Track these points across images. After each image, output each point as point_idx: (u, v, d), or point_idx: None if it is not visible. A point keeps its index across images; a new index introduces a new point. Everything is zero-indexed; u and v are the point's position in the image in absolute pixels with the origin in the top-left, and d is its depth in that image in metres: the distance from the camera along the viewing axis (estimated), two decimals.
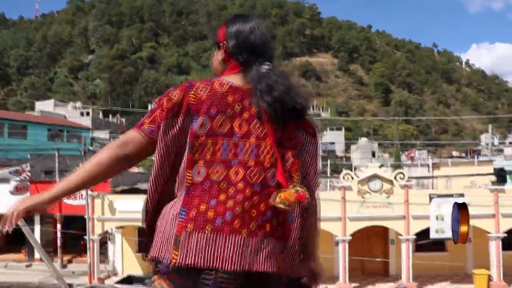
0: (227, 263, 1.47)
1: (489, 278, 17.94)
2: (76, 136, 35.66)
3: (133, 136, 1.56)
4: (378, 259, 19.99)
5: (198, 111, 1.54)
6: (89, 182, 1.58)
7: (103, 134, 46.83)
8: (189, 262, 1.46)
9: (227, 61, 1.69)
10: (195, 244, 1.47)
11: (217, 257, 1.47)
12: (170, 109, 1.54)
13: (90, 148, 30.54)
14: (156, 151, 1.54)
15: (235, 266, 1.48)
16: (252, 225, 1.51)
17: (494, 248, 17.73)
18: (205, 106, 1.54)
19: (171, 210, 1.56)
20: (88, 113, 51.51)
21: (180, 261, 1.46)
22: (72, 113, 50.85)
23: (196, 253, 1.47)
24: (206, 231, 1.48)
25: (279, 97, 1.56)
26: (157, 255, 1.54)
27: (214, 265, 1.47)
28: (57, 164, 21.82)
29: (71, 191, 1.58)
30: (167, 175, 1.58)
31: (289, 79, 1.64)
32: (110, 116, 61.16)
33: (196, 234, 1.48)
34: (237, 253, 1.48)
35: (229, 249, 1.48)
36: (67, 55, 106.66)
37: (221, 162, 1.53)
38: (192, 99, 1.55)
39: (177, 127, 1.54)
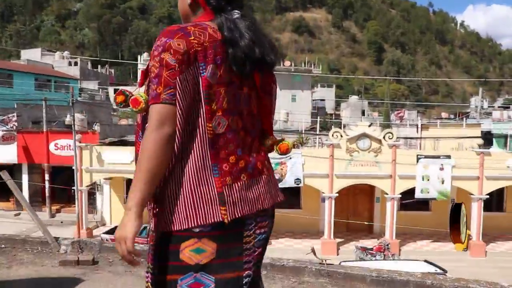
0: (265, 202, 1.59)
1: (469, 237, 18.49)
2: (64, 86, 35.01)
3: (161, 110, 1.39)
4: (365, 222, 20.41)
5: (205, 58, 1.45)
6: (154, 180, 1.41)
7: (91, 85, 46.07)
8: (239, 213, 1.49)
9: (196, 6, 1.60)
10: (238, 195, 1.50)
11: (257, 199, 1.56)
12: (180, 62, 1.41)
13: (79, 98, 30.11)
14: (178, 111, 1.41)
15: (270, 202, 1.62)
16: (266, 164, 1.65)
17: (476, 209, 18.15)
18: (211, 54, 1.45)
19: (192, 173, 1.46)
20: (76, 63, 50.28)
21: (231, 215, 1.46)
22: (60, 62, 49.66)
23: (242, 203, 1.51)
24: (243, 179, 1.53)
25: (247, 48, 1.51)
26: (192, 224, 1.44)
27: (257, 207, 1.56)
28: (44, 114, 21.51)
29: (146, 199, 1.42)
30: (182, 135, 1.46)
31: (259, 29, 1.60)
32: (99, 66, 59.99)
33: (236, 186, 1.51)
34: (268, 191, 1.62)
35: (263, 189, 1.60)
36: (54, 2, 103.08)
37: (233, 111, 1.53)
38: (196, 45, 1.43)
39: (191, 79, 1.43)
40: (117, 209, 21.31)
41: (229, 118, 1.50)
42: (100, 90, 46.12)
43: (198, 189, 1.46)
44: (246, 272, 1.53)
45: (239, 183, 1.51)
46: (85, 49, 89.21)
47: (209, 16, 1.56)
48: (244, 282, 1.52)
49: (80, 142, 19.08)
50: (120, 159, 18.94)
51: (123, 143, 22.11)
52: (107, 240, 15.54)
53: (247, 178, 1.54)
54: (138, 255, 1.41)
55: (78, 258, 3.81)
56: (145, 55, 71.40)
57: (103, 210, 21.59)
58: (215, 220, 1.44)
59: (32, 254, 4.03)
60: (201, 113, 1.46)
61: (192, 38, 1.44)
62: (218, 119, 1.48)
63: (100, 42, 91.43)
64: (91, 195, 21.07)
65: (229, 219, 1.45)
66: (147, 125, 1.42)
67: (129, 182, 20.63)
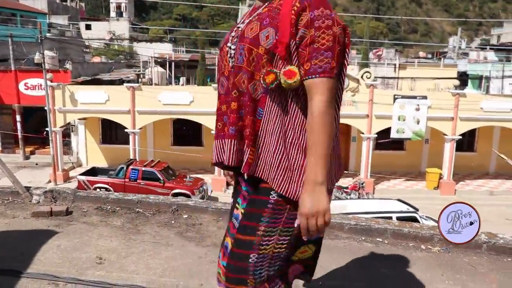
0: None
1: (440, 176, 19.08)
2: (31, 21, 33.26)
3: (334, 85, 1.46)
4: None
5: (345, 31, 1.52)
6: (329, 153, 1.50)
7: (61, 20, 43.90)
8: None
9: None
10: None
11: None
12: (345, 39, 1.49)
13: (48, 35, 28.73)
14: (340, 87, 1.55)
15: None
16: None
17: (449, 149, 18.60)
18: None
19: (336, 142, 1.60)
20: None
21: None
22: None
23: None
24: None
25: None
26: (335, 181, 1.63)
27: None
28: (11, 52, 20.56)
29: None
30: None
31: None
32: (68, 0, 57.00)
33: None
34: None
35: None
36: None
37: None
38: (347, 39, 1.51)
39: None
40: (93, 149, 21.09)
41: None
42: (71, 25, 44.06)
43: (339, 155, 1.65)
44: None
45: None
46: None
47: None
48: None
49: (51, 82, 18.44)
50: (94, 98, 18.47)
51: (97, 82, 21.49)
52: (83, 182, 15.46)
53: None
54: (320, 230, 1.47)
55: (51, 208, 3.70)
56: None
57: (79, 151, 21.33)
58: (340, 177, 1.68)
59: (3, 206, 3.90)
60: (339, 85, 1.54)
61: (347, 31, 1.53)
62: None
63: None
64: (66, 136, 20.69)
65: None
66: (319, 98, 1.42)
67: (104, 122, 20.28)
